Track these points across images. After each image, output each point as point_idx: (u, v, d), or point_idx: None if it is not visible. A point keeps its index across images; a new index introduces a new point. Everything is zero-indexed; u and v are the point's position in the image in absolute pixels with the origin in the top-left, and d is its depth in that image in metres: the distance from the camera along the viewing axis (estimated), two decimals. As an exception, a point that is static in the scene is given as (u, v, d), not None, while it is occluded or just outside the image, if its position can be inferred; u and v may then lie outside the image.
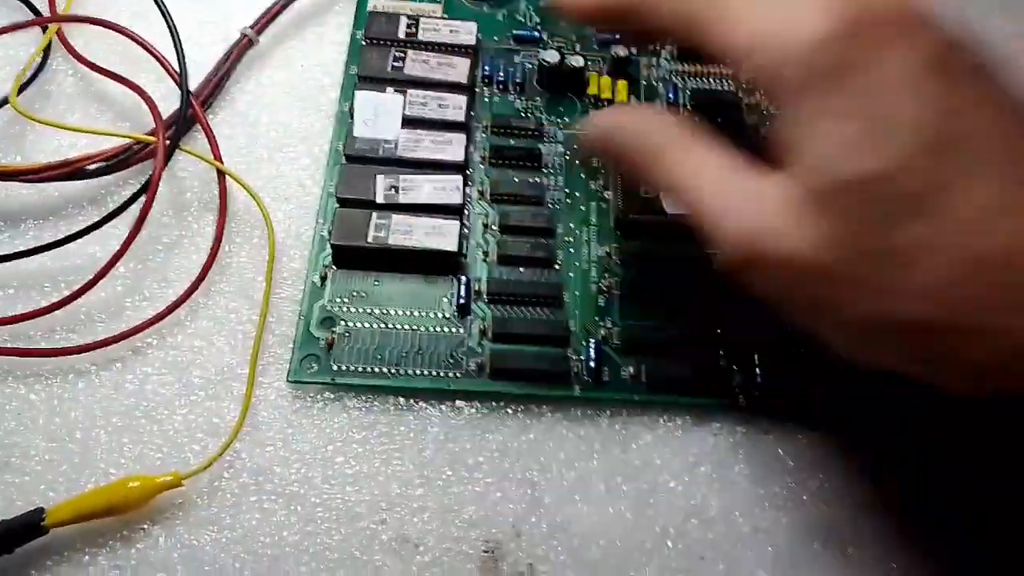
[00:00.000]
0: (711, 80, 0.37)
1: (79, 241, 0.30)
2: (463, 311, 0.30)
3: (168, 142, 0.30)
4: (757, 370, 0.30)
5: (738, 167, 0.23)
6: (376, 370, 0.29)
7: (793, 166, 0.21)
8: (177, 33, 0.32)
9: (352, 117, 0.33)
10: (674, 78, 0.36)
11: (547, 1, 0.27)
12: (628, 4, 0.25)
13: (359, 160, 0.32)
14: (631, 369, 0.30)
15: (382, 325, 0.30)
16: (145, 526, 0.27)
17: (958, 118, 0.20)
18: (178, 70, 0.32)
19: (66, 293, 0.29)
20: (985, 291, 0.19)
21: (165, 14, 0.32)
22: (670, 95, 0.36)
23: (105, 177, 0.32)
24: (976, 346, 0.20)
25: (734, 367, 0.30)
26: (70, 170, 0.31)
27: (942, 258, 0.20)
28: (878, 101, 0.20)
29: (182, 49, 0.32)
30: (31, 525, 0.25)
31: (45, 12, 0.35)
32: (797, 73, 0.21)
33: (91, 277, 0.29)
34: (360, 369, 0.29)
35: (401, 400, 0.29)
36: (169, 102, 0.32)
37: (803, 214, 0.21)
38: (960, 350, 0.20)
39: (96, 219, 0.30)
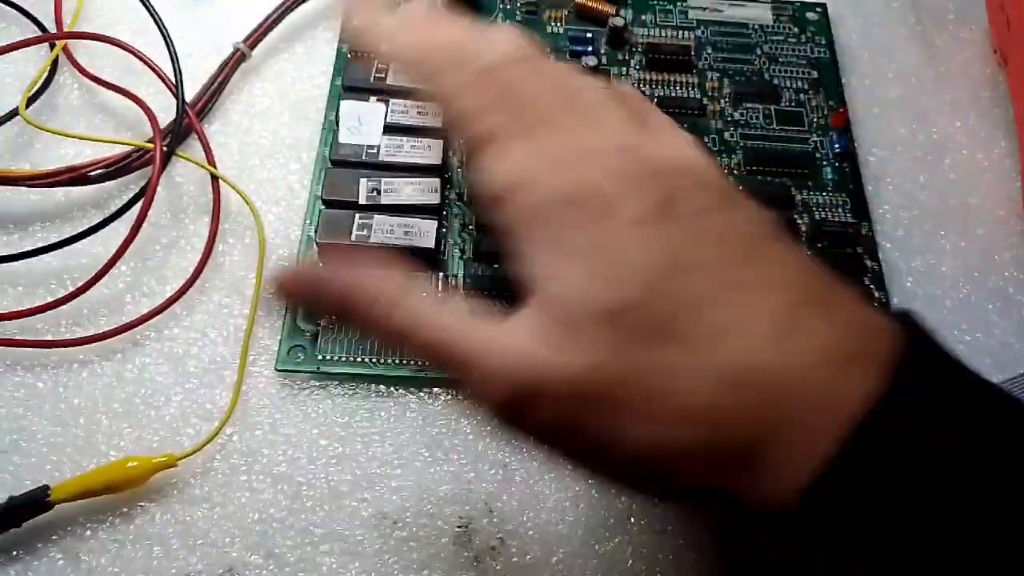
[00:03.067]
0: (677, 88, 0.39)
1: (83, 242, 0.32)
2: (441, 304, 0.32)
3: (165, 149, 0.33)
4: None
5: (475, 310, 0.22)
6: (358, 359, 0.31)
7: (537, 296, 0.21)
8: (174, 48, 0.34)
9: (337, 125, 0.35)
10: (641, 86, 0.38)
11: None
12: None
13: (344, 165, 0.34)
14: (598, 358, 0.32)
15: (364, 318, 0.32)
16: (143, 503, 0.29)
17: (687, 252, 0.20)
18: (175, 82, 0.34)
19: (71, 289, 0.31)
20: (745, 409, 0.19)
21: (162, 30, 0.34)
22: (639, 102, 0.38)
23: (108, 183, 0.34)
24: (750, 468, 0.19)
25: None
26: (74, 176, 0.33)
27: (698, 379, 0.19)
28: (611, 240, 0.20)
29: (179, 63, 0.34)
30: (37, 501, 0.27)
31: (52, 29, 0.38)
32: (538, 201, 0.21)
33: (93, 275, 0.31)
34: (343, 359, 0.31)
35: (382, 387, 0.31)
36: (168, 112, 0.35)
37: (562, 342, 0.20)
38: (736, 474, 0.20)
39: (98, 221, 0.32)
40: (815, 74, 0.40)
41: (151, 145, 0.33)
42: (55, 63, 0.37)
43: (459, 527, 0.29)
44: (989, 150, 0.39)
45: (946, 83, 0.41)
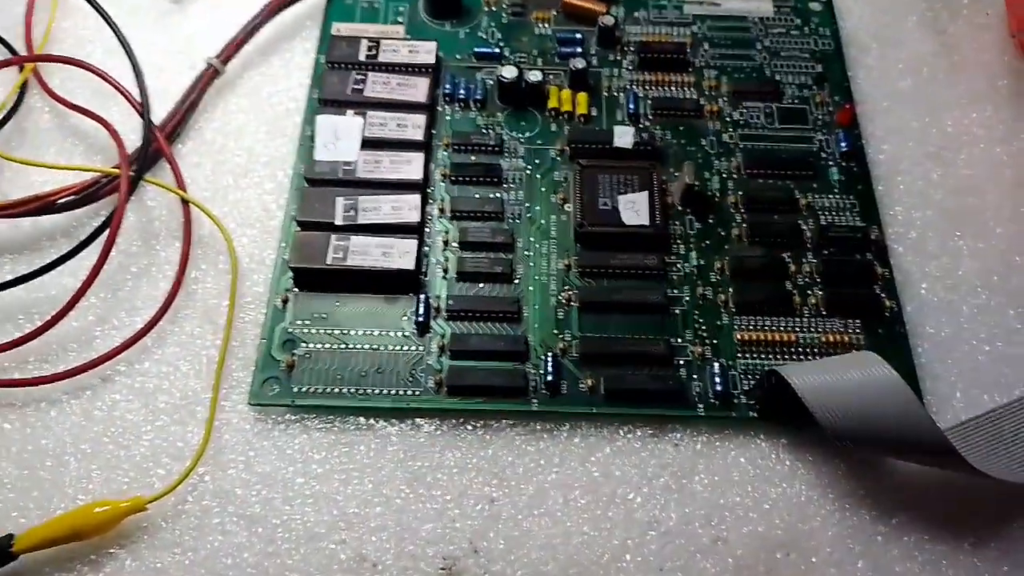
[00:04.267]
0: (672, 88, 0.37)
1: (51, 273, 0.31)
2: (422, 329, 0.31)
3: (132, 175, 0.31)
4: (716, 379, 0.30)
5: None
6: (336, 391, 0.29)
7: None
8: (139, 68, 0.33)
9: (313, 141, 0.33)
10: (634, 87, 0.36)
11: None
12: None
13: (319, 183, 0.33)
14: (589, 381, 0.30)
15: (342, 345, 0.30)
16: (112, 550, 0.27)
17: None
18: (141, 104, 0.32)
19: (39, 324, 0.30)
20: None
21: (127, 49, 0.33)
22: (631, 105, 0.36)
23: (77, 210, 0.33)
24: None
25: (693, 377, 0.30)
26: (40, 204, 0.32)
27: None
28: None
29: (144, 84, 0.33)
30: (0, 551, 0.26)
31: (22, 51, 0.36)
32: None
33: (60, 308, 0.30)
34: (320, 390, 0.29)
35: (361, 420, 0.30)
36: (140, 134, 0.33)
37: None
38: None
39: (66, 251, 0.31)
40: (819, 68, 0.38)
41: (118, 171, 0.31)
42: (24, 86, 0.36)
43: (442, 568, 0.27)
44: (1008, 143, 0.37)
45: (961, 73, 0.39)
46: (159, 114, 0.35)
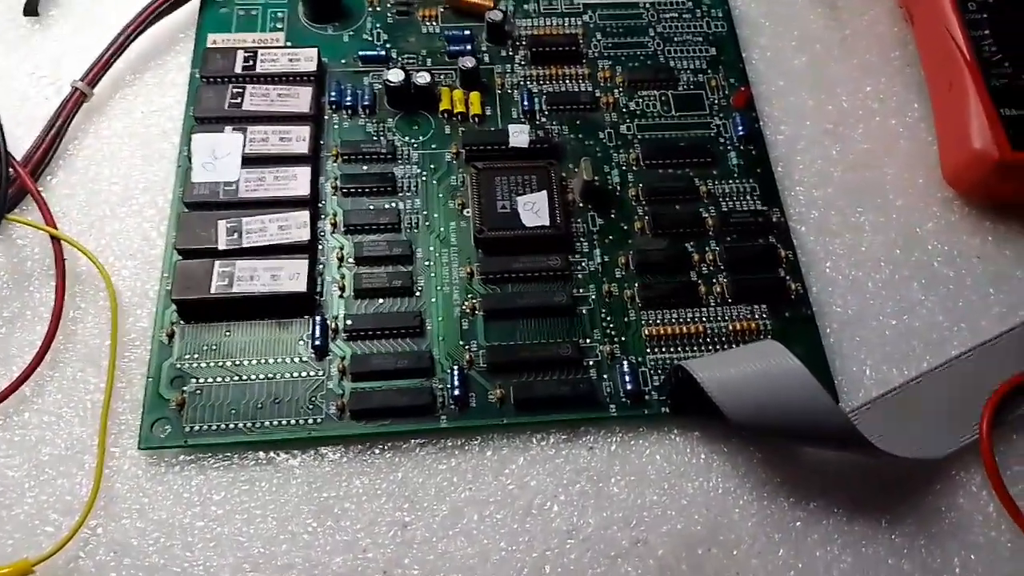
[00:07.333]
0: (566, 81, 0.36)
1: (-87, 326, 0.29)
2: (320, 352, 0.29)
3: (-8, 213, 0.29)
4: (626, 377, 0.29)
5: None
6: (232, 426, 0.28)
7: None
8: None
9: (190, 162, 0.31)
10: (528, 83, 0.36)
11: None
12: None
13: (199, 207, 0.31)
14: (498, 392, 0.29)
15: (236, 377, 0.29)
16: (0, 619, 0.26)
17: None
18: (-4, 136, 0.30)
19: (-97, 382, 0.28)
20: None
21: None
22: (525, 101, 0.35)
23: (-62, 255, 0.30)
24: None
25: (603, 377, 0.29)
26: None
27: None
28: None
29: (-3, 114, 0.31)
30: None
31: None
32: None
33: (-75, 363, 0.28)
34: (215, 427, 0.28)
35: (260, 454, 0.28)
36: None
37: None
38: None
39: (-74, 301, 0.29)
40: (713, 51, 0.37)
41: (-24, 210, 0.29)
42: None
43: (357, 602, 0.26)
44: (902, 114, 0.37)
45: (853, 46, 0.39)
46: (24, 145, 0.32)
